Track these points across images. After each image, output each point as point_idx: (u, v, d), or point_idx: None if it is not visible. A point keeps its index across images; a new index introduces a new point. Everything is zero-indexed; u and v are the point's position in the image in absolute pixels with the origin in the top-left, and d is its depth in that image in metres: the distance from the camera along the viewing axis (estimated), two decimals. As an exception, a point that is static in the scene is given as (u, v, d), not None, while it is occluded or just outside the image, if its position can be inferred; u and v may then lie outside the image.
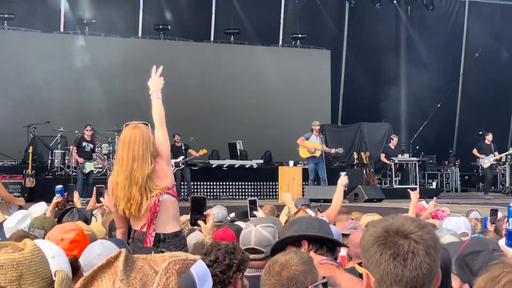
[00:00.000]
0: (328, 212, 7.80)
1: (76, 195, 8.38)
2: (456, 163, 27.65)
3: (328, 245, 4.13)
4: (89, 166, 18.49)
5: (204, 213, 5.06)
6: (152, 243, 5.06)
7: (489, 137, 22.53)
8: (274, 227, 4.64)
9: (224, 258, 3.47)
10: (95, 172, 19.01)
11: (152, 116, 5.56)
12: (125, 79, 23.55)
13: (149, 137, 5.32)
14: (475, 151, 22.91)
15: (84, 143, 18.72)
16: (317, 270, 3.20)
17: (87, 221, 6.14)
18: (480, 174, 26.00)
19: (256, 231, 4.49)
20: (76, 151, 18.65)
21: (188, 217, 5.27)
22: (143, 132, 5.32)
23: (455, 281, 3.20)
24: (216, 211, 7.11)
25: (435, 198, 8.04)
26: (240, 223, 6.21)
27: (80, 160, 18.43)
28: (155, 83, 5.72)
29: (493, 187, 26.07)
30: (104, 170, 19.97)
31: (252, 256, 4.42)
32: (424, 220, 2.40)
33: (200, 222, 5.01)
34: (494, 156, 22.25)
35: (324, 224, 4.31)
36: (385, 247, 2.26)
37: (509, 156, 24.65)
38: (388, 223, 2.31)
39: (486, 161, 22.14)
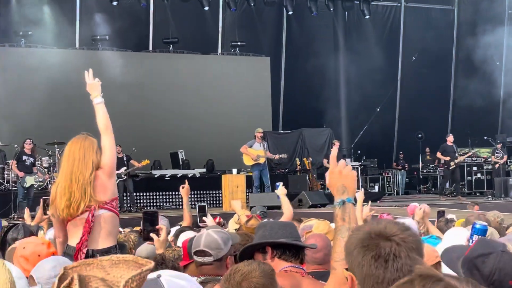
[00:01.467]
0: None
1: (27, 211, 8.26)
2: (406, 166, 27.98)
3: (292, 249, 4.11)
4: (29, 180, 18.19)
5: (157, 226, 5.04)
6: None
7: (450, 138, 22.80)
8: (227, 234, 4.63)
9: (156, 269, 3.46)
10: (35, 186, 18.71)
11: (97, 124, 5.45)
12: (65, 90, 23.27)
13: (90, 144, 5.26)
14: (439, 154, 23.23)
15: (24, 157, 18.41)
16: (277, 284, 3.18)
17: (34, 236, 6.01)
18: (438, 176, 26.29)
19: (207, 234, 4.49)
20: (16, 165, 18.34)
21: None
22: (84, 141, 5.28)
23: None
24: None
25: (370, 202, 8.08)
26: (190, 233, 6.16)
27: (21, 174, 18.13)
28: (93, 87, 5.63)
29: (433, 189, 26.48)
30: (45, 184, 19.66)
31: (200, 259, 4.41)
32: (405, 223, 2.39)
33: (152, 235, 4.98)
34: (457, 157, 22.48)
35: (290, 227, 4.29)
36: (367, 249, 2.26)
37: (488, 155, 24.90)
38: (371, 226, 2.32)
39: (451, 163, 22.38)
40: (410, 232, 2.31)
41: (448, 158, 22.47)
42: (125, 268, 1.83)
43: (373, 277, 2.23)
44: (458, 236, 5.14)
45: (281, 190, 7.98)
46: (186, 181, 7.83)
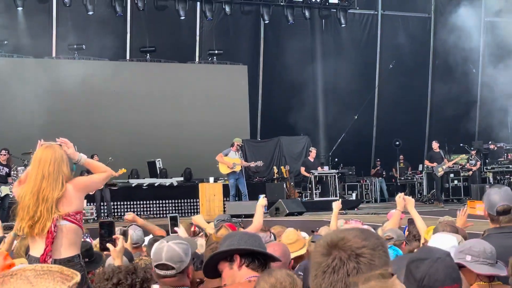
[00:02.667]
0: (249, 230, 7.76)
1: None
2: (383, 173, 28.04)
3: (260, 259, 4.10)
4: (4, 190, 18.10)
5: (113, 236, 5.04)
6: None
7: (435, 145, 22.87)
8: (187, 244, 4.63)
9: (126, 279, 3.48)
10: (11, 196, 18.55)
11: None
12: (44, 100, 23.21)
13: (61, 157, 5.24)
14: (426, 162, 23.34)
15: (-1, 167, 18.35)
16: None
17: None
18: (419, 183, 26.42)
19: (168, 247, 4.50)
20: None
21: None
22: (56, 152, 5.24)
23: None
24: (130, 232, 7.03)
25: (340, 199, 8.10)
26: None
27: (-5, 184, 18.07)
28: (72, 152, 5.50)
29: (410, 196, 26.50)
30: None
31: (162, 272, 4.41)
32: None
33: (109, 245, 4.99)
34: (445, 163, 22.55)
35: (257, 238, 4.29)
36: (322, 256, 2.30)
37: (464, 161, 24.99)
38: (329, 235, 2.36)
39: (439, 169, 22.45)
40: (369, 243, 2.32)
41: (435, 165, 22.55)
42: (50, 279, 1.81)
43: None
44: (442, 241, 5.15)
45: (261, 201, 8.05)
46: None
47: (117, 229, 5.56)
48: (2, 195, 18.07)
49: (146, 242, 7.56)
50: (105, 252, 5.20)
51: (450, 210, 17.04)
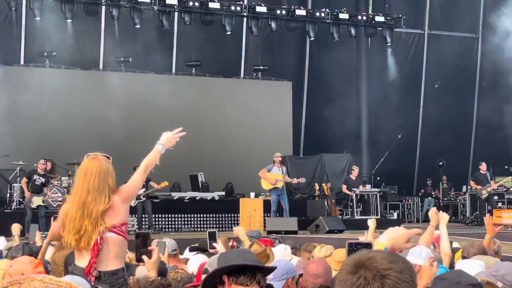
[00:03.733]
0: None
1: (38, 235, 8.29)
2: (433, 194, 27.71)
3: (248, 272, 4.09)
4: (36, 201, 18.24)
5: (149, 248, 5.07)
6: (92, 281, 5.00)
7: (483, 167, 22.67)
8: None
9: None
10: (55, 205, 18.70)
11: (143, 159, 5.57)
12: (81, 111, 23.54)
13: (107, 169, 5.27)
14: (472, 183, 23.13)
15: (35, 176, 18.54)
16: None
17: (34, 256, 6.04)
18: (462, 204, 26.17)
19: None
20: (26, 184, 18.47)
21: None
22: (102, 164, 5.28)
23: None
24: (167, 241, 7.11)
25: (374, 218, 8.07)
26: (200, 256, 6.20)
27: (27, 194, 18.26)
28: (168, 139, 5.88)
29: (453, 217, 26.24)
30: (63, 203, 19.69)
31: None
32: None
33: (144, 257, 5.01)
34: (491, 185, 22.36)
35: (243, 253, 4.30)
36: (349, 274, 2.30)
37: (509, 184, 24.71)
38: (359, 255, 2.36)
39: (483, 192, 22.26)
40: (396, 266, 2.32)
41: (480, 187, 22.35)
42: None
43: None
44: (468, 268, 5.08)
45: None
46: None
47: (154, 241, 5.60)
48: (34, 205, 18.20)
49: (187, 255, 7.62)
50: (140, 263, 5.23)
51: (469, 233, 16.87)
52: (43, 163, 18.74)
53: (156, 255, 5.05)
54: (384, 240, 3.24)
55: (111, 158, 5.46)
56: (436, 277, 3.14)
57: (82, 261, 5.17)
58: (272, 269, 4.29)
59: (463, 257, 5.82)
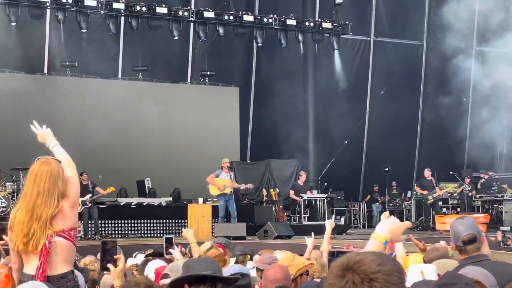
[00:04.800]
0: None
1: None
2: (379, 200, 27.92)
3: (208, 282, 4.07)
4: None
5: (115, 256, 5.00)
6: None
7: (427, 173, 22.94)
8: None
9: None
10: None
11: (62, 158, 5.46)
12: (29, 115, 23.17)
13: (58, 173, 5.19)
14: (417, 189, 23.42)
15: (-18, 183, 18.26)
16: None
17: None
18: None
19: None
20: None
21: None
22: (52, 168, 5.20)
23: None
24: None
25: (312, 234, 8.06)
26: (158, 261, 6.14)
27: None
28: (44, 136, 5.71)
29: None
30: (8, 209, 19.40)
31: None
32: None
33: (109, 265, 4.94)
34: (436, 191, 22.65)
35: (210, 262, 4.30)
36: (336, 278, 2.27)
37: (454, 190, 25.04)
38: (347, 257, 2.33)
39: (429, 197, 22.52)
40: (385, 268, 2.29)
41: (425, 192, 22.65)
42: None
43: None
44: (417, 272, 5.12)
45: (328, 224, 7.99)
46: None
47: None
48: None
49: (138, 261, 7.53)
50: (105, 272, 5.14)
51: (437, 237, 17.00)
52: None
53: (122, 263, 4.98)
54: (384, 233, 3.22)
55: (61, 162, 5.38)
56: (439, 284, 3.14)
57: (29, 267, 5.08)
58: (235, 279, 4.27)
59: (425, 262, 5.84)
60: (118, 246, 5.24)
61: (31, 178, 5.21)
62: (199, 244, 7.97)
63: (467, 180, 24.41)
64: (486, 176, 25.31)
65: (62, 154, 5.49)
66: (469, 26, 28.61)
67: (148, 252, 8.12)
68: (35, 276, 4.98)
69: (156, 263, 5.83)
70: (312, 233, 8.00)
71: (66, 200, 5.18)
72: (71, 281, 5.11)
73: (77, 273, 5.30)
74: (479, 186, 25.24)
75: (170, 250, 7.06)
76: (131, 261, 7.75)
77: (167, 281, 4.62)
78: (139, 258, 7.83)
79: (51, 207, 5.07)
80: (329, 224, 8.17)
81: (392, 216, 6.84)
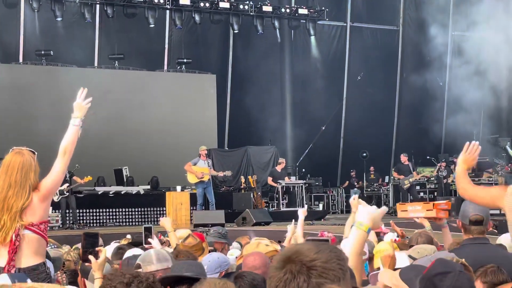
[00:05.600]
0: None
1: None
2: (357, 185, 27.97)
3: (185, 282, 4.12)
4: None
5: (96, 249, 5.00)
6: None
7: (403, 158, 23.09)
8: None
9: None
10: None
11: (61, 144, 5.37)
12: (4, 104, 23.05)
13: (30, 164, 5.16)
14: (395, 174, 23.59)
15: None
16: None
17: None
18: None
19: None
20: None
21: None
22: (25, 159, 5.16)
23: None
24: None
25: (293, 220, 8.05)
26: (136, 249, 6.13)
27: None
28: (80, 108, 5.63)
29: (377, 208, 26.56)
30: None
31: None
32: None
33: (90, 257, 4.93)
34: (413, 176, 22.78)
35: (188, 265, 4.38)
36: (276, 269, 2.27)
37: (430, 174, 25.15)
38: (288, 248, 2.35)
39: (405, 182, 22.67)
40: (322, 255, 2.30)
41: (402, 177, 22.80)
42: None
43: None
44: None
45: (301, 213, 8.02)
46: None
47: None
48: None
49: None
50: (86, 264, 5.13)
51: (414, 223, 17.08)
52: None
53: (104, 255, 4.97)
54: (366, 221, 3.26)
55: (36, 153, 5.33)
56: (431, 272, 3.16)
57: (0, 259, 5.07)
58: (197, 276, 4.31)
59: (410, 246, 5.89)
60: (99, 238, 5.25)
61: (3, 169, 5.18)
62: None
63: (443, 164, 24.52)
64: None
65: (71, 136, 5.41)
66: (444, 10, 28.76)
67: (123, 241, 8.11)
68: (5, 268, 4.97)
69: (134, 252, 5.82)
70: (293, 220, 8.01)
71: (36, 193, 5.15)
72: (43, 273, 5.11)
73: (48, 263, 5.28)
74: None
75: (149, 239, 7.04)
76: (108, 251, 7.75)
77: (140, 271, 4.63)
78: (113, 247, 7.82)
79: (22, 199, 5.05)
80: (302, 212, 8.20)
81: (361, 199, 6.92)
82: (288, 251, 2.32)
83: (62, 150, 5.31)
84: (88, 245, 5.06)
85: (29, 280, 3.11)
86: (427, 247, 5.96)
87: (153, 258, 4.66)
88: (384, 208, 3.46)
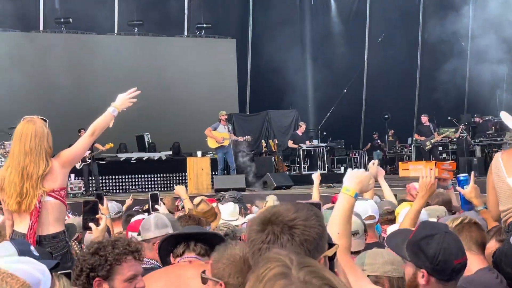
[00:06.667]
0: None
1: None
2: (381, 145, 27.85)
3: (182, 242, 4.14)
4: None
5: (97, 216, 5.03)
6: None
7: (424, 119, 22.94)
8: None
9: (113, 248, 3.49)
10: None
11: (93, 122, 5.47)
12: (29, 75, 23.12)
13: (43, 131, 5.19)
14: (416, 136, 23.45)
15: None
16: None
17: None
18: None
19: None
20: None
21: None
22: (37, 126, 5.19)
23: (408, 268, 3.21)
24: (110, 205, 7.12)
25: (318, 170, 8.09)
26: (141, 215, 6.17)
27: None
28: (123, 101, 5.76)
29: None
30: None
31: None
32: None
33: (91, 224, 4.97)
34: (434, 137, 22.66)
35: (190, 229, 4.42)
36: (258, 231, 2.30)
37: (452, 135, 25.01)
38: (269, 209, 2.36)
39: (427, 143, 22.55)
40: (301, 214, 2.32)
41: (423, 138, 22.66)
42: None
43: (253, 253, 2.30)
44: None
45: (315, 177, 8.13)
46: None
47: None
48: None
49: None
50: (87, 231, 5.17)
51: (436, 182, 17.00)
52: None
53: (104, 223, 5.02)
54: (353, 185, 3.25)
55: (47, 120, 5.36)
56: (418, 236, 3.16)
57: (21, 226, 5.14)
58: (214, 234, 4.30)
59: (427, 204, 5.86)
60: (100, 204, 5.27)
61: (16, 138, 5.22)
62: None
63: (463, 125, 24.37)
64: (481, 121, 25.23)
65: (103, 122, 5.54)
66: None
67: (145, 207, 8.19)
68: (27, 235, 5.02)
69: (139, 218, 5.87)
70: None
71: (56, 159, 5.21)
72: (63, 241, 5.17)
73: None
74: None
75: (156, 206, 7.08)
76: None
77: (139, 238, 4.67)
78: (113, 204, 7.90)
79: (41, 166, 5.09)
80: (316, 177, 8.21)
81: (378, 166, 6.94)
82: (267, 212, 2.34)
83: (91, 130, 5.41)
84: (88, 213, 5.08)
85: (32, 247, 3.12)
86: (438, 208, 5.96)
87: (152, 225, 4.69)
88: (372, 172, 3.44)
